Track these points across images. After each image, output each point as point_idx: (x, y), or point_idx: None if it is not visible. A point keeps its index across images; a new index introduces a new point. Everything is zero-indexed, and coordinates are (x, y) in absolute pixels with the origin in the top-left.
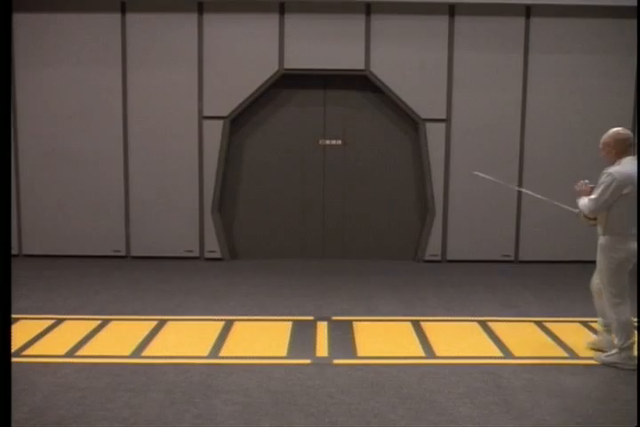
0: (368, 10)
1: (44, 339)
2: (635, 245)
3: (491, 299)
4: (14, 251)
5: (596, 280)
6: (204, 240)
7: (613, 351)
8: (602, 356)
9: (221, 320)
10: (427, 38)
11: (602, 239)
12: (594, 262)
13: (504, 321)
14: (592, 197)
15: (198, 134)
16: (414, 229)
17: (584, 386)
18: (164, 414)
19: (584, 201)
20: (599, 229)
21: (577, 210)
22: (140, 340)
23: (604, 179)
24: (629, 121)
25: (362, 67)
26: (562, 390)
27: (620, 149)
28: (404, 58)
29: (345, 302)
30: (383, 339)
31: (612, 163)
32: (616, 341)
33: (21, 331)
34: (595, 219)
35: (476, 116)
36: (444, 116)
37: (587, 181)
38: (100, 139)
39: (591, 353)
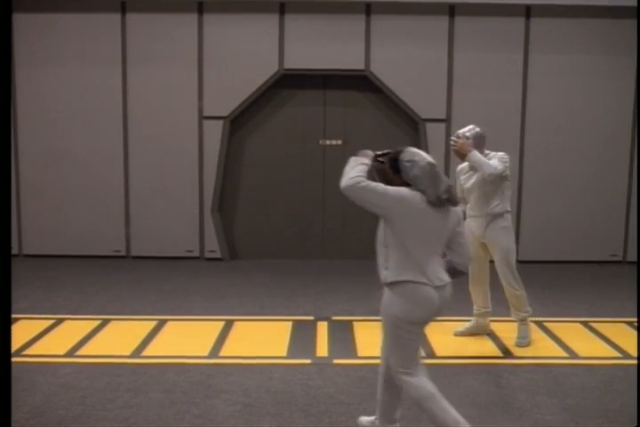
0: (368, 10)
1: (44, 339)
2: None
3: (490, 299)
4: (14, 251)
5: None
6: (204, 240)
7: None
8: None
9: (221, 320)
10: (427, 38)
11: (503, 221)
12: (594, 262)
13: (504, 321)
14: (494, 162)
15: (198, 134)
16: None
17: (584, 386)
18: (164, 414)
19: (488, 160)
20: (496, 209)
21: None
22: (140, 340)
23: (502, 156)
24: (629, 121)
25: (362, 67)
26: (562, 390)
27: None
28: (404, 58)
29: (345, 302)
30: None
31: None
32: (523, 314)
33: (21, 331)
34: None
35: (476, 116)
36: (443, 117)
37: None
38: (100, 139)
39: (591, 353)
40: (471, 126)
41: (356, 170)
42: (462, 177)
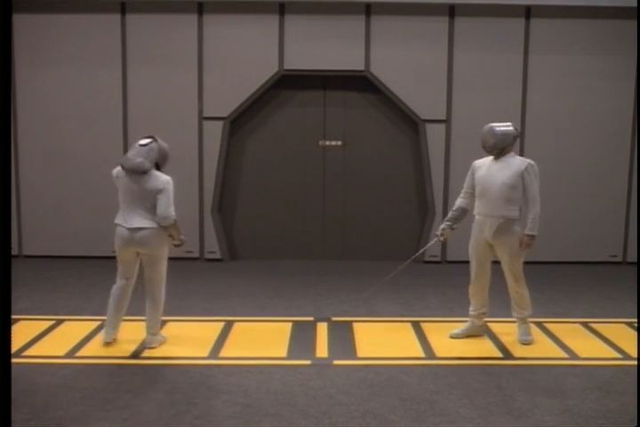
0: (368, 11)
1: (44, 340)
2: None
3: (490, 299)
4: (14, 251)
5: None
6: (204, 241)
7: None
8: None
9: (221, 321)
10: (427, 39)
11: (515, 225)
12: (594, 263)
13: (504, 322)
14: (535, 196)
15: (198, 135)
16: (414, 229)
17: (584, 386)
18: (163, 414)
19: (536, 209)
20: (512, 213)
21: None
22: (139, 340)
23: (535, 176)
24: (629, 121)
25: (362, 68)
26: (562, 391)
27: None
28: (404, 59)
29: (345, 302)
30: (383, 340)
31: (505, 154)
32: (525, 313)
33: (21, 332)
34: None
35: (476, 117)
36: (443, 117)
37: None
38: (99, 139)
39: (591, 354)
40: (508, 124)
41: None
42: (478, 174)
